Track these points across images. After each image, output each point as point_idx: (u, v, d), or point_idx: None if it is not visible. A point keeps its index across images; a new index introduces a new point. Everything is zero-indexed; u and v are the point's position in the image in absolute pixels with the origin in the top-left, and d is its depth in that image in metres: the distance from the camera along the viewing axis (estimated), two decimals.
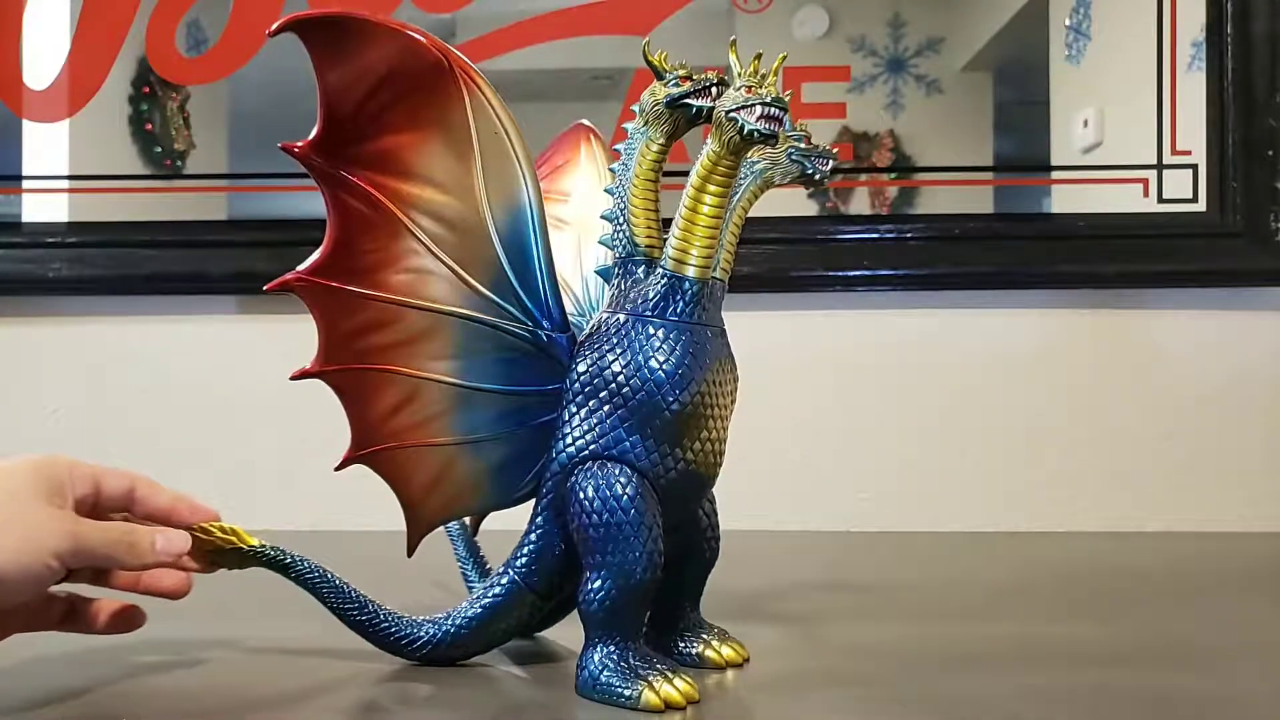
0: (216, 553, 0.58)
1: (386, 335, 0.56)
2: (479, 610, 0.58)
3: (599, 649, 0.54)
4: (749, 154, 0.58)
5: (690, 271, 0.54)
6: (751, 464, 1.11)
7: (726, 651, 0.60)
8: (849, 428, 1.13)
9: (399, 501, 0.58)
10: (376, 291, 0.55)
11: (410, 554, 0.58)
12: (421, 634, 0.59)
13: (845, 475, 1.13)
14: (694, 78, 0.56)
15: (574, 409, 0.55)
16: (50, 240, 1.13)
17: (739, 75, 0.52)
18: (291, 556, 0.59)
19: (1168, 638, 0.68)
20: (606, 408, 0.54)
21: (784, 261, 1.10)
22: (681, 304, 0.54)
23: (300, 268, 0.55)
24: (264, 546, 0.58)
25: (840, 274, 1.11)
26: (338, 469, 0.57)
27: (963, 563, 0.96)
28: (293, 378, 0.56)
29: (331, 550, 0.66)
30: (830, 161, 0.61)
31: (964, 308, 1.13)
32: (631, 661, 0.53)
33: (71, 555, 0.52)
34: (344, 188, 0.54)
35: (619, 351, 0.54)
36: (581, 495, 0.54)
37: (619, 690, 0.52)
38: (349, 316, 0.55)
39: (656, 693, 0.52)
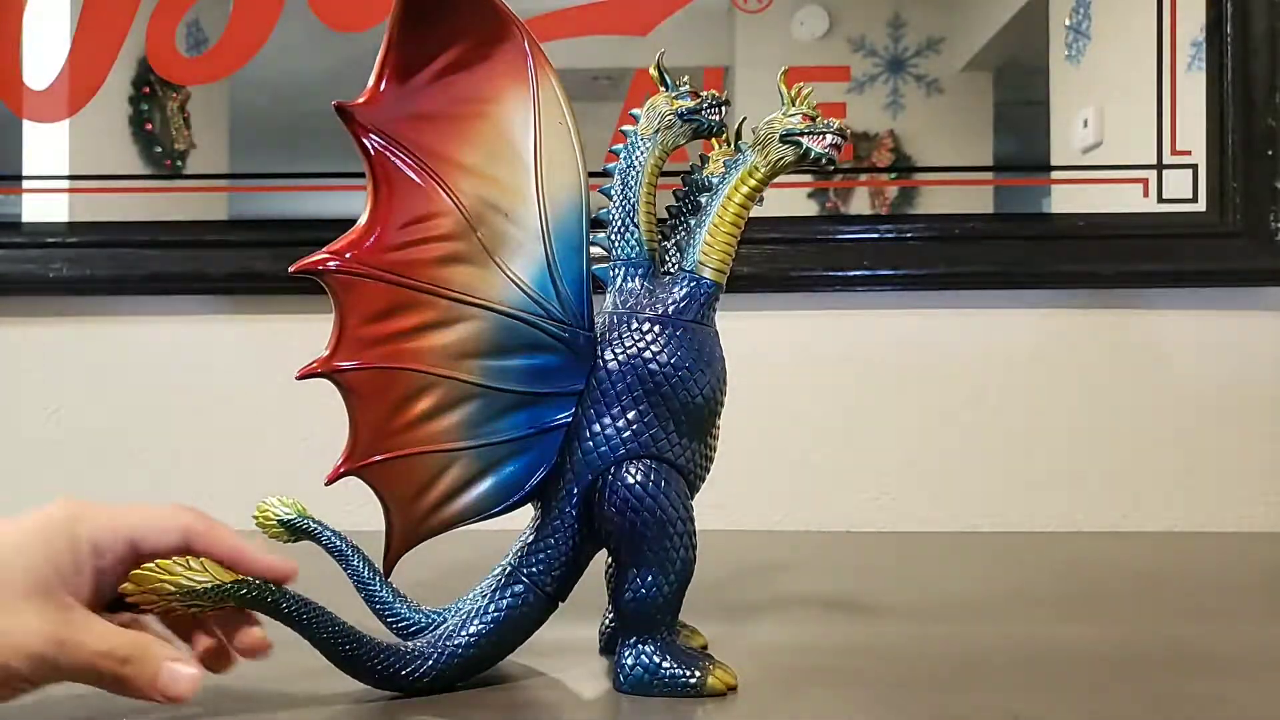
0: (182, 594, 0.47)
1: (414, 329, 0.51)
2: (489, 624, 0.55)
3: (649, 643, 0.54)
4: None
5: (709, 275, 0.57)
6: (752, 464, 1.12)
7: (698, 638, 0.62)
8: (849, 428, 1.13)
9: (389, 514, 0.53)
10: (413, 279, 0.51)
11: (389, 572, 0.55)
12: (422, 661, 0.54)
13: (845, 475, 1.13)
14: (700, 93, 0.59)
15: (602, 408, 0.55)
16: (50, 240, 1.13)
17: (791, 102, 0.57)
18: (276, 590, 0.50)
19: (1168, 638, 0.68)
20: (642, 406, 0.55)
21: (784, 261, 1.10)
22: (702, 306, 0.57)
23: (331, 247, 0.49)
24: (245, 581, 0.49)
25: (840, 274, 1.11)
26: (330, 482, 0.52)
27: (963, 563, 0.96)
28: (300, 376, 0.51)
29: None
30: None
31: (964, 308, 1.13)
32: (679, 651, 0.55)
33: (42, 668, 0.43)
34: (391, 157, 0.50)
35: (653, 350, 0.55)
36: (628, 493, 0.53)
37: (684, 678, 0.54)
38: (375, 306, 0.50)
39: (716, 676, 0.54)
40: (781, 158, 0.56)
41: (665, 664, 0.54)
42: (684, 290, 0.56)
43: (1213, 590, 0.84)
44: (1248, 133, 1.09)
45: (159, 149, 1.16)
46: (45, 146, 1.15)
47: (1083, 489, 1.12)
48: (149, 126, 1.15)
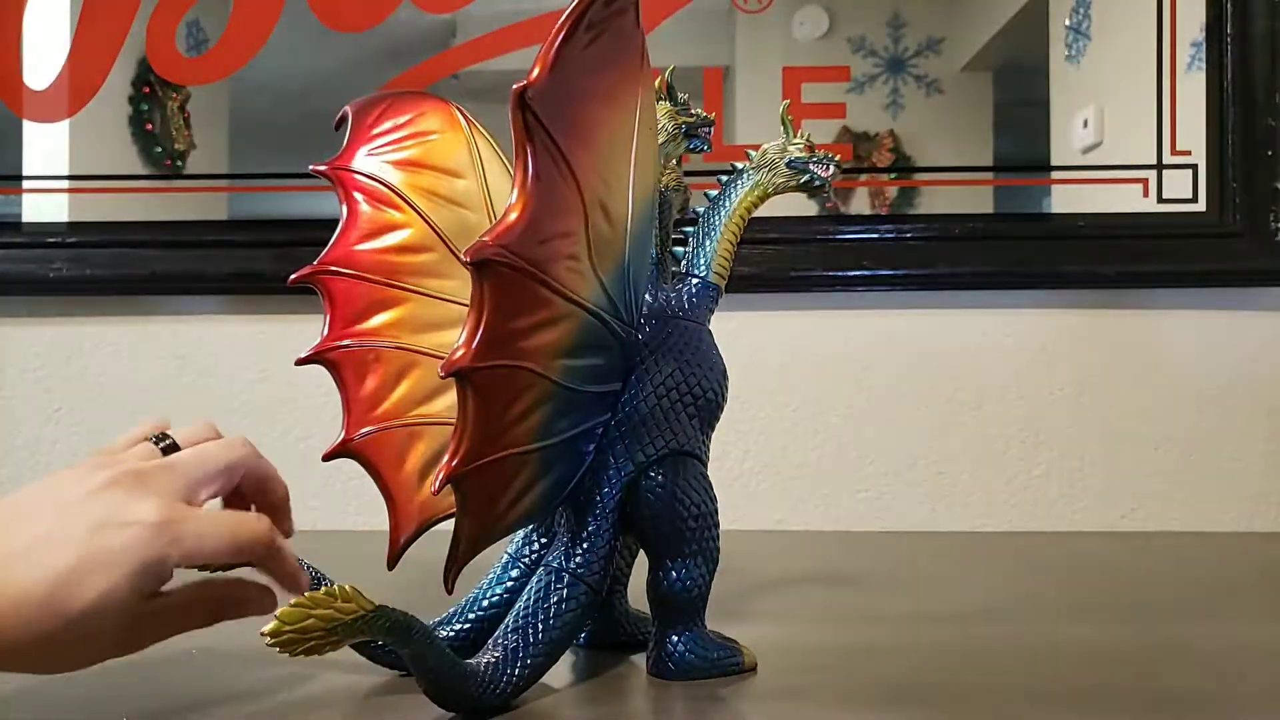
0: (328, 630, 0.43)
1: (533, 327, 0.49)
2: (556, 629, 0.54)
3: (694, 631, 0.57)
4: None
5: (716, 279, 0.61)
6: (751, 464, 1.12)
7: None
8: (849, 428, 1.13)
9: (461, 521, 0.50)
10: (547, 275, 0.48)
11: (453, 587, 0.52)
12: (504, 675, 0.52)
13: (845, 475, 1.13)
14: (694, 111, 0.62)
15: (642, 407, 0.56)
16: (51, 240, 1.13)
17: (795, 135, 0.63)
18: (409, 616, 0.47)
19: (1167, 638, 0.68)
20: (677, 405, 0.57)
21: (784, 261, 1.10)
22: (710, 308, 0.60)
23: (490, 236, 0.46)
24: (383, 609, 0.45)
25: (840, 274, 1.11)
26: (438, 490, 0.48)
27: (963, 563, 0.96)
28: (445, 374, 0.46)
29: (331, 550, 0.66)
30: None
31: (964, 308, 1.13)
32: (714, 635, 0.58)
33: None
34: (544, 148, 0.47)
35: (684, 352, 0.57)
36: (675, 489, 0.56)
37: (729, 660, 0.58)
38: (517, 302, 0.48)
39: (746, 654, 0.59)
40: (786, 181, 0.62)
41: (711, 649, 0.57)
42: (700, 294, 0.60)
43: (1213, 590, 0.84)
44: (1248, 133, 1.09)
45: (159, 149, 1.16)
46: (45, 146, 1.15)
47: (1083, 489, 1.12)
48: (149, 126, 1.15)
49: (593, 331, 0.52)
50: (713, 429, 0.59)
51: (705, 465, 0.58)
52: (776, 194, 0.63)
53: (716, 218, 0.61)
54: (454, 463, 0.47)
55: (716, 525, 0.57)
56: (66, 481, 0.49)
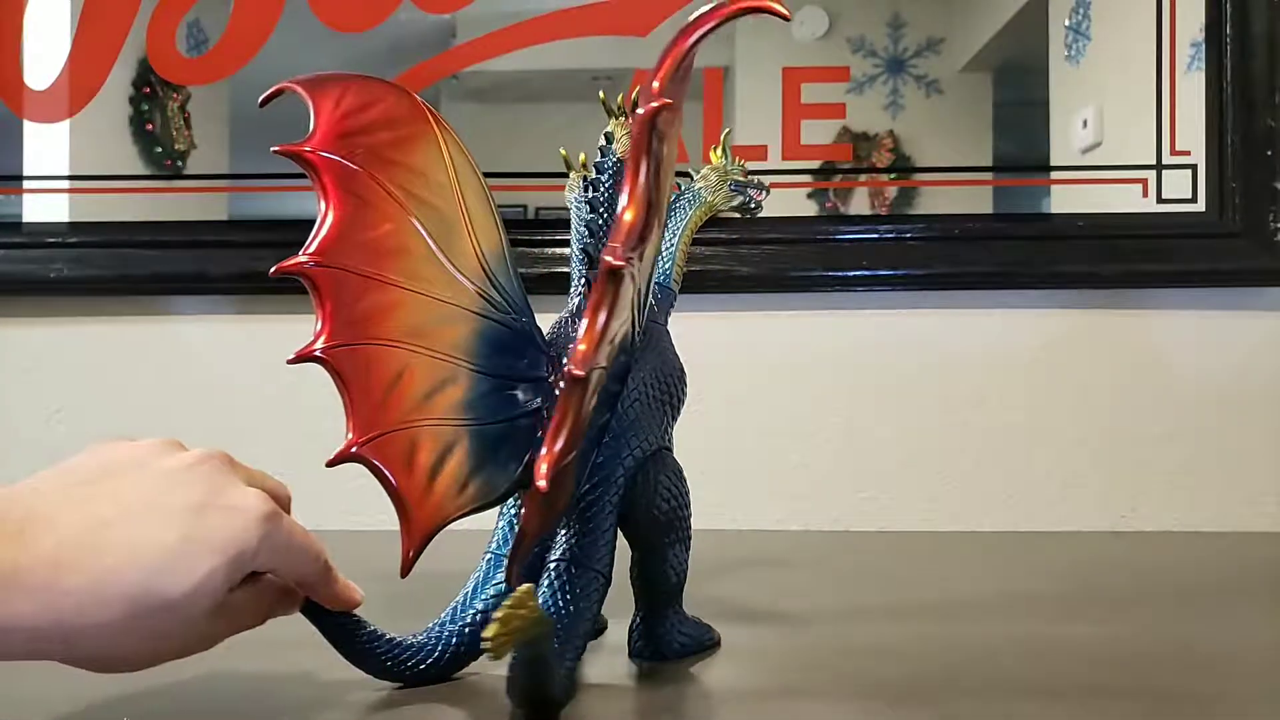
0: (528, 627, 0.43)
1: (616, 331, 0.49)
2: (586, 624, 0.54)
3: (679, 613, 0.60)
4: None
5: (675, 284, 0.65)
6: (751, 464, 1.12)
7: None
8: (849, 428, 1.13)
9: (540, 517, 0.49)
10: (636, 283, 0.49)
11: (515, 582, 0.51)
12: (565, 673, 0.52)
13: (845, 475, 1.13)
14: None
15: (639, 407, 0.58)
16: (51, 240, 1.13)
17: (734, 161, 0.69)
18: (550, 621, 0.48)
19: (1167, 638, 0.68)
20: (658, 401, 0.60)
21: (784, 261, 1.10)
22: (669, 311, 0.64)
23: (620, 243, 0.45)
24: (543, 612, 0.45)
25: (840, 274, 1.11)
26: (546, 489, 0.47)
27: (963, 563, 0.96)
28: (575, 377, 0.46)
29: (332, 551, 0.66)
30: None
31: (964, 308, 1.13)
32: (690, 616, 0.61)
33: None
34: (656, 162, 0.47)
35: (656, 352, 0.60)
36: (668, 482, 0.59)
37: (708, 638, 0.62)
38: (620, 306, 0.47)
39: (715, 631, 0.63)
40: (726, 200, 0.68)
41: (694, 629, 0.61)
42: (662, 298, 0.63)
43: (1213, 590, 0.84)
44: (1247, 133, 1.09)
45: (159, 149, 1.16)
46: (45, 146, 1.15)
47: (1083, 489, 1.12)
48: (149, 126, 1.15)
49: (628, 335, 0.55)
50: (675, 421, 0.62)
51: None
52: (715, 213, 0.68)
53: (672, 227, 0.66)
54: (550, 462, 0.46)
55: (691, 515, 0.60)
56: (141, 450, 0.45)
